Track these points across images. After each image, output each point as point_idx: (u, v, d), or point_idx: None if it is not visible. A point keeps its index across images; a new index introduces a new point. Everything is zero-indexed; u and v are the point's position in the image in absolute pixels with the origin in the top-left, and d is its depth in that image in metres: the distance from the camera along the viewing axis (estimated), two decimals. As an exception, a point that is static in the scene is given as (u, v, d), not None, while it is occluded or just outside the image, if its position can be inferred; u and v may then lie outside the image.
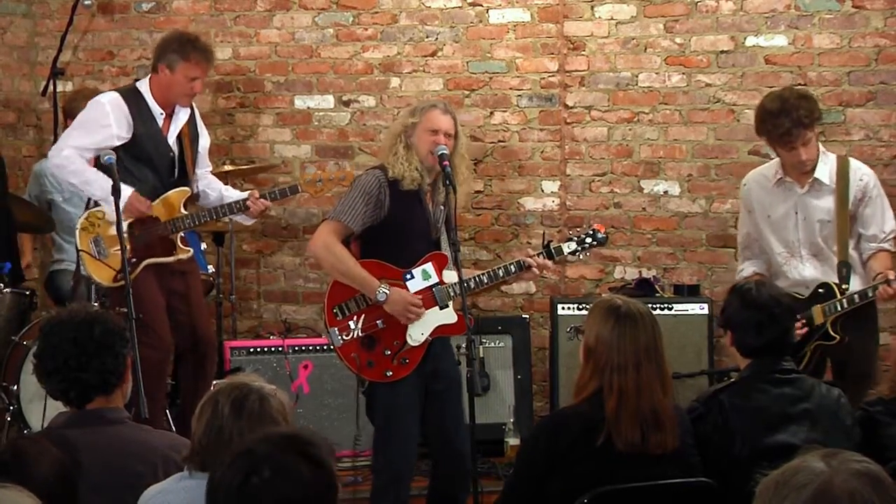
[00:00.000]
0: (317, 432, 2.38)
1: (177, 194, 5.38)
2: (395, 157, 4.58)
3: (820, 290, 4.90)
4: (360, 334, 4.57)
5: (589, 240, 4.76)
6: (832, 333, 4.83)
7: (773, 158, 6.19)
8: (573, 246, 4.75)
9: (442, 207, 4.67)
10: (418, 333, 4.56)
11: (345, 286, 4.58)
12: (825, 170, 4.95)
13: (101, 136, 5.21)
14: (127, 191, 5.10)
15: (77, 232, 5.38)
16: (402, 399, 4.55)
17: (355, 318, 4.58)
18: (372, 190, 4.53)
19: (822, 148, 5.01)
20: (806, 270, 4.98)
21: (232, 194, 5.56)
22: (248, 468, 2.21)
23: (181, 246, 5.39)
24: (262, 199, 5.42)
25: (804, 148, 4.84)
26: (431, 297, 4.57)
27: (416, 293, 4.55)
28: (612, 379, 3.50)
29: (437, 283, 4.58)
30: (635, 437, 3.46)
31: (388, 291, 4.50)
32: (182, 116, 5.43)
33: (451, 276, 4.60)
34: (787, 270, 5.03)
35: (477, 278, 4.63)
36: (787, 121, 4.78)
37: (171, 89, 5.32)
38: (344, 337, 4.58)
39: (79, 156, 5.24)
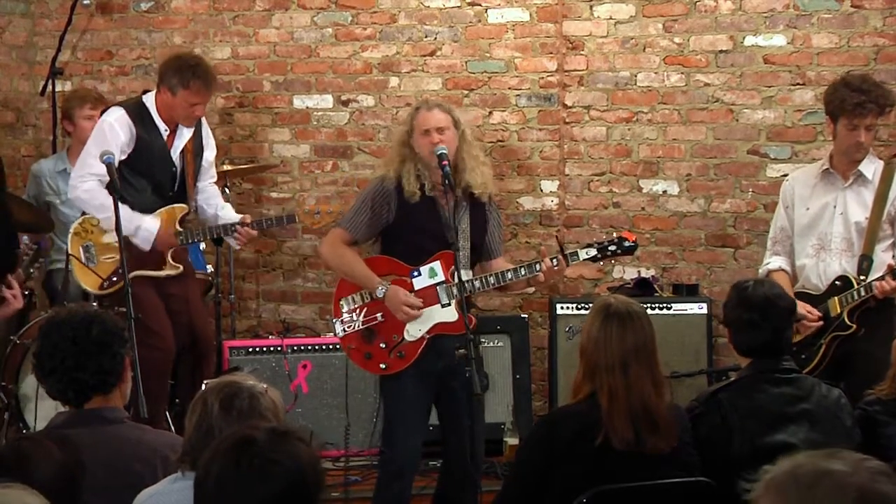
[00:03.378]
0: (305, 428, 2.37)
1: (174, 210, 5.40)
2: (391, 168, 4.65)
3: (837, 283, 4.92)
4: (360, 326, 4.67)
5: (613, 247, 4.64)
6: (848, 322, 4.84)
7: (771, 158, 6.24)
8: (592, 252, 4.64)
9: (465, 204, 4.66)
10: (416, 329, 4.61)
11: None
12: (870, 167, 5.00)
13: (115, 155, 5.21)
14: (155, 224, 5.16)
15: (69, 236, 5.40)
16: (407, 396, 4.61)
17: (358, 310, 4.69)
18: (376, 197, 4.62)
19: (872, 150, 5.07)
20: (833, 265, 4.98)
21: (226, 216, 5.55)
22: (237, 455, 2.22)
23: (171, 262, 5.40)
24: (247, 228, 5.40)
25: (865, 131, 4.89)
26: (434, 295, 4.60)
27: (420, 290, 4.60)
28: (603, 378, 3.52)
29: (442, 282, 4.60)
30: (629, 437, 3.46)
31: (386, 288, 4.57)
32: (186, 132, 5.44)
33: (462, 275, 4.59)
34: (815, 266, 5.03)
35: (483, 279, 4.63)
36: (863, 95, 4.85)
37: (173, 111, 5.35)
38: (346, 328, 4.70)
39: (100, 186, 5.21)
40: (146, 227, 5.28)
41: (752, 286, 3.88)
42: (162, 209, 5.39)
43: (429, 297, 4.60)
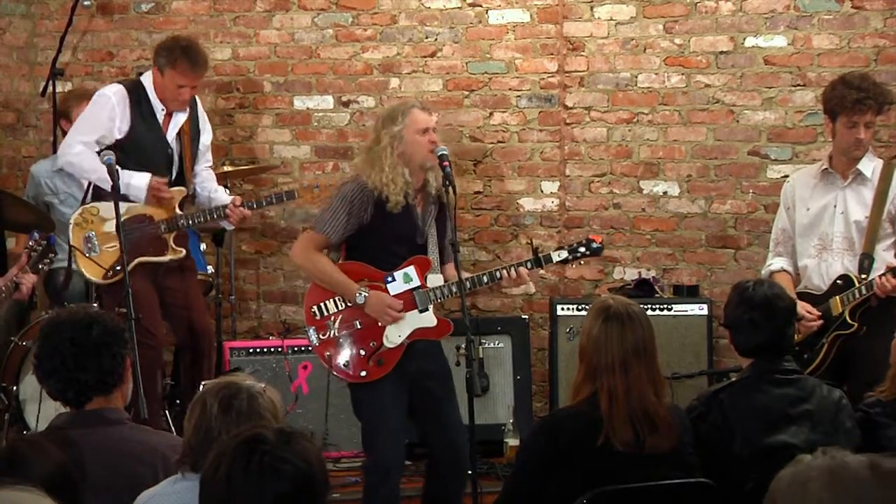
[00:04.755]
0: (305, 429, 2.38)
1: (173, 193, 5.38)
2: (380, 176, 4.52)
3: (838, 282, 4.93)
4: (336, 334, 4.62)
5: (582, 249, 4.73)
6: (849, 321, 4.84)
7: (772, 159, 6.24)
8: (564, 255, 4.72)
9: (433, 207, 4.65)
10: (395, 336, 4.59)
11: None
12: (869, 166, 5.01)
13: (108, 128, 5.26)
14: (144, 178, 5.14)
15: (70, 227, 5.40)
16: (384, 398, 4.57)
17: (333, 318, 4.63)
18: (354, 200, 4.55)
19: (871, 149, 5.07)
20: (835, 265, 4.98)
21: (219, 198, 5.53)
22: (247, 454, 2.22)
23: (173, 246, 5.38)
24: (240, 208, 5.36)
25: (865, 129, 4.90)
26: (411, 300, 4.59)
27: (395, 296, 4.57)
28: (603, 379, 3.52)
29: (417, 287, 4.59)
30: (629, 437, 3.47)
31: (366, 294, 4.54)
32: (181, 115, 5.43)
33: (434, 279, 4.62)
34: (816, 266, 5.03)
35: (459, 284, 4.58)
36: (862, 93, 4.87)
37: (163, 92, 5.35)
38: (321, 336, 4.63)
39: (90, 151, 5.27)
40: (135, 184, 5.25)
41: (752, 286, 3.88)
42: None
43: (405, 302, 4.58)
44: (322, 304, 4.63)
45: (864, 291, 4.82)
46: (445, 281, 4.63)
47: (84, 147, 5.29)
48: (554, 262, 4.75)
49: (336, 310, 4.62)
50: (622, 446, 3.45)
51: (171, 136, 5.41)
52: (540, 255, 4.66)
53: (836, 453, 1.85)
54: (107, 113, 5.29)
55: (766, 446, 3.61)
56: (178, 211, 5.39)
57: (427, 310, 4.60)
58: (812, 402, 3.73)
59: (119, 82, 5.52)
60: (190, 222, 5.42)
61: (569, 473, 3.47)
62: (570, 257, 4.73)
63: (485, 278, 4.64)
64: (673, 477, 3.46)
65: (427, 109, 4.68)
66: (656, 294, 6.14)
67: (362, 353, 4.59)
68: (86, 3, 6.87)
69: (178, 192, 5.42)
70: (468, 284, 4.62)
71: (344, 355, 4.61)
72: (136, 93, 5.35)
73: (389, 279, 4.59)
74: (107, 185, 5.18)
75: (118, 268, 5.29)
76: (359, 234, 4.59)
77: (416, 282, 4.60)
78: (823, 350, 4.90)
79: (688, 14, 6.32)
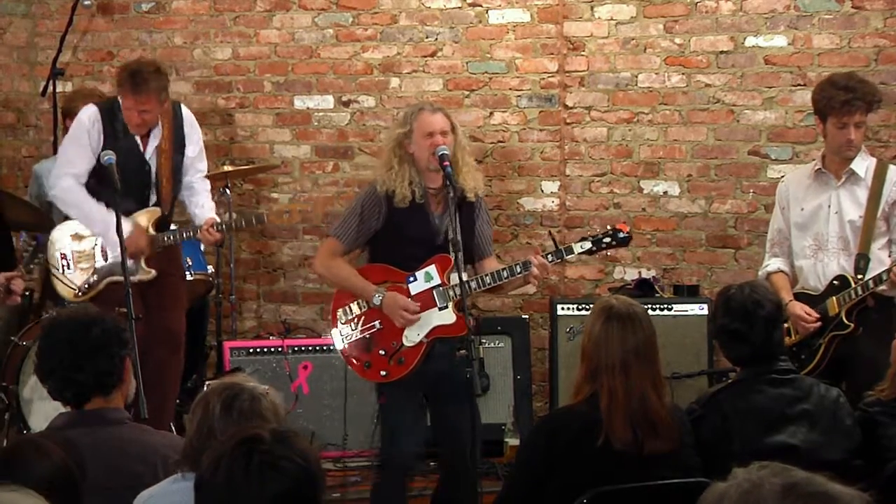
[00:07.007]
0: (305, 429, 2.39)
1: (146, 214, 5.35)
2: (388, 174, 4.61)
3: (835, 283, 4.91)
4: (358, 336, 4.66)
5: (607, 240, 4.64)
6: (846, 322, 4.84)
7: (772, 159, 6.24)
8: (587, 246, 4.64)
9: (454, 208, 4.61)
10: (414, 334, 4.60)
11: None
12: (863, 165, 4.98)
13: (87, 152, 5.25)
14: (125, 229, 5.02)
15: (48, 245, 5.38)
16: (397, 399, 4.61)
17: (356, 320, 4.68)
18: (366, 205, 4.62)
19: (864, 148, 5.06)
20: (831, 265, 4.97)
21: (201, 215, 5.44)
22: (247, 454, 2.22)
23: (143, 267, 5.34)
24: (211, 231, 5.27)
25: (855, 128, 4.88)
26: (431, 298, 4.60)
27: (416, 295, 4.59)
28: (603, 379, 3.52)
29: (438, 285, 4.60)
30: (628, 438, 3.46)
31: (382, 296, 4.57)
32: (157, 131, 5.35)
33: (456, 278, 4.60)
34: (812, 266, 5.02)
35: (479, 279, 4.62)
36: (850, 94, 4.85)
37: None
38: (345, 339, 4.69)
39: (77, 184, 5.26)
40: (112, 237, 5.07)
41: (732, 295, 3.83)
42: (133, 214, 5.30)
43: (426, 301, 4.59)
44: (347, 307, 4.69)
45: (860, 292, 4.81)
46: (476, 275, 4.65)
47: (73, 181, 5.27)
48: (576, 253, 4.67)
49: (359, 311, 4.67)
50: (622, 446, 3.45)
51: (149, 153, 5.35)
52: (561, 247, 4.63)
53: (767, 473, 1.83)
54: (84, 136, 5.26)
55: (766, 447, 3.60)
56: (151, 232, 5.34)
57: (446, 307, 4.61)
58: (810, 401, 3.73)
59: (96, 103, 5.45)
60: (170, 242, 5.35)
61: (568, 473, 3.47)
62: (595, 248, 4.65)
63: (504, 273, 4.61)
64: (672, 478, 3.46)
65: (437, 112, 4.66)
66: (656, 294, 6.14)
67: (382, 352, 4.62)
68: (86, 2, 6.87)
69: (151, 213, 5.36)
70: (487, 280, 4.61)
71: (366, 357, 4.65)
72: (110, 112, 5.29)
73: (411, 279, 4.62)
74: (88, 222, 5.32)
75: (87, 286, 5.34)
76: (376, 238, 4.66)
77: (437, 280, 4.61)
78: (820, 351, 4.89)
79: (688, 14, 6.32)
